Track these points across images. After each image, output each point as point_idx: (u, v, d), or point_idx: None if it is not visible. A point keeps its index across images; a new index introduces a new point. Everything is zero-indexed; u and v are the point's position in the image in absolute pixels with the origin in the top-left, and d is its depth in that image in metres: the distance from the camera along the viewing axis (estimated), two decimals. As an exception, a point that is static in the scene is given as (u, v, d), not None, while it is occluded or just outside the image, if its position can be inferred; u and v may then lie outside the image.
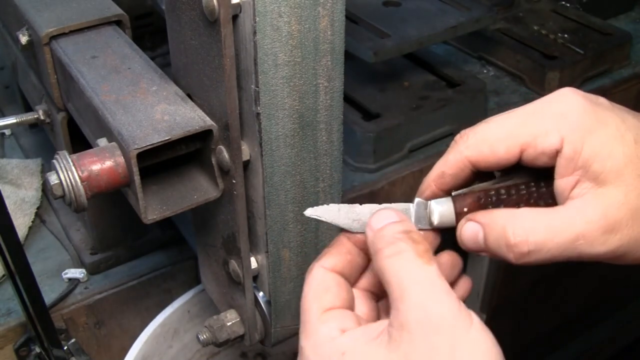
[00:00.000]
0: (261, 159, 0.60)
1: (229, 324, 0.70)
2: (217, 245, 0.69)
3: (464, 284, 0.57)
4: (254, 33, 0.53)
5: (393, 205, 0.54)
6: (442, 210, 0.54)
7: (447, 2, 1.17)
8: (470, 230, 0.53)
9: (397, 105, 1.12)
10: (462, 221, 0.53)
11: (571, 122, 0.49)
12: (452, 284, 0.56)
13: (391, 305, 0.46)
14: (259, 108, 0.57)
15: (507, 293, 1.58)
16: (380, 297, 0.56)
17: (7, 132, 1.14)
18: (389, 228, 0.49)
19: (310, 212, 0.54)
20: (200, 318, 0.92)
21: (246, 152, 0.61)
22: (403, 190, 1.04)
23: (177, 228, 0.94)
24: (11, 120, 0.82)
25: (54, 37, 0.70)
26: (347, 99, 1.13)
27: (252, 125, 0.59)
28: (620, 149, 0.48)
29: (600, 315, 1.86)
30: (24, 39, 0.74)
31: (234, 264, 0.67)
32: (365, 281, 0.55)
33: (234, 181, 0.60)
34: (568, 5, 1.46)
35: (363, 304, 0.54)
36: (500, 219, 0.51)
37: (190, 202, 0.61)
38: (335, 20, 0.57)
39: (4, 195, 0.66)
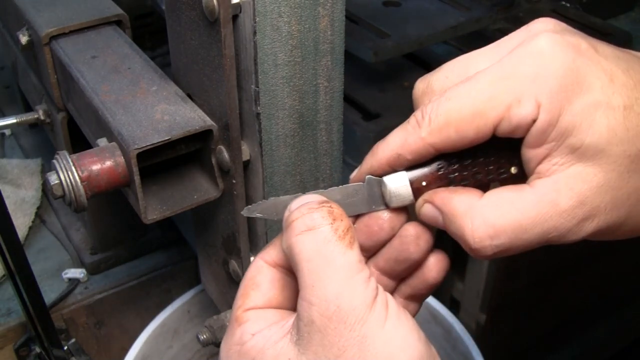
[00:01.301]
0: (261, 159, 0.60)
1: (228, 324, 0.70)
2: (217, 245, 0.69)
3: (437, 260, 0.49)
4: (254, 33, 0.53)
5: (344, 185, 0.48)
6: (397, 187, 0.47)
7: (447, 2, 1.17)
8: (430, 213, 0.46)
9: (397, 105, 1.12)
10: (420, 202, 0.46)
11: (549, 84, 0.40)
12: (421, 260, 0.49)
13: (300, 293, 0.41)
14: (259, 108, 0.57)
15: (507, 293, 1.58)
16: None
17: (7, 132, 1.14)
18: (304, 198, 0.44)
19: (247, 211, 0.49)
20: (200, 318, 0.92)
21: (246, 152, 0.61)
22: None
23: (177, 228, 0.94)
24: (11, 120, 0.82)
25: (54, 37, 0.70)
26: (347, 99, 1.13)
27: (252, 125, 0.59)
28: (604, 120, 0.39)
29: (600, 315, 1.86)
30: (24, 39, 0.74)
31: (234, 264, 0.67)
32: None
33: (234, 181, 0.60)
34: (568, 5, 1.46)
35: (288, 295, 0.49)
36: (460, 209, 0.44)
37: (190, 202, 0.61)
38: (335, 20, 0.57)
39: (4, 195, 0.66)
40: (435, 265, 0.49)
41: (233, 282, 0.69)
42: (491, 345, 1.56)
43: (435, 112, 0.43)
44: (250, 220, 0.65)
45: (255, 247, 0.67)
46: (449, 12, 1.14)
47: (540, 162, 0.42)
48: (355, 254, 0.41)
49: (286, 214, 0.44)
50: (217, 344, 0.71)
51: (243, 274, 0.66)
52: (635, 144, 0.39)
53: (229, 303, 0.72)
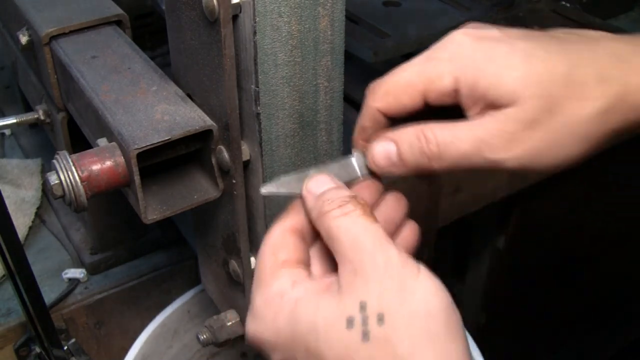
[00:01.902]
0: (261, 159, 0.60)
1: (229, 324, 0.70)
2: (217, 245, 0.69)
3: (410, 229, 0.58)
4: (254, 33, 0.53)
5: (336, 159, 0.57)
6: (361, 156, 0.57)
7: (447, 2, 1.17)
8: (381, 149, 0.55)
9: (397, 105, 1.12)
10: (373, 144, 0.56)
11: (462, 62, 0.52)
12: (398, 227, 0.57)
13: (340, 260, 0.49)
14: (259, 108, 0.57)
15: (507, 293, 1.58)
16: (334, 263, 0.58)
17: (7, 132, 1.14)
18: (333, 192, 0.52)
19: (266, 190, 0.55)
20: (200, 318, 0.92)
21: (246, 152, 0.61)
22: (403, 190, 1.04)
23: (177, 228, 0.94)
24: (11, 120, 0.82)
25: (54, 37, 0.70)
26: (347, 99, 1.13)
27: (252, 125, 0.59)
28: (509, 75, 0.51)
29: (600, 315, 1.86)
30: (24, 39, 0.74)
31: (234, 264, 0.67)
32: (318, 247, 0.56)
33: (234, 181, 0.60)
34: (568, 5, 1.46)
35: (318, 264, 0.55)
36: (410, 130, 0.54)
37: (190, 202, 0.61)
38: (335, 20, 0.57)
39: (4, 195, 0.66)
40: (406, 235, 0.58)
41: (233, 282, 0.69)
42: (491, 345, 1.56)
43: (379, 84, 0.56)
44: (251, 220, 0.65)
45: (255, 247, 0.67)
46: (449, 12, 1.14)
47: (476, 116, 0.53)
48: (379, 227, 0.49)
49: (309, 198, 0.53)
50: (217, 344, 0.71)
51: (243, 274, 0.66)
52: (540, 86, 0.50)
53: (229, 303, 0.72)
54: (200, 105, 0.60)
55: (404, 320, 0.46)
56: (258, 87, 0.56)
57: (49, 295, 0.86)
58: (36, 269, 0.78)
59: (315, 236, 0.55)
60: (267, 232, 0.54)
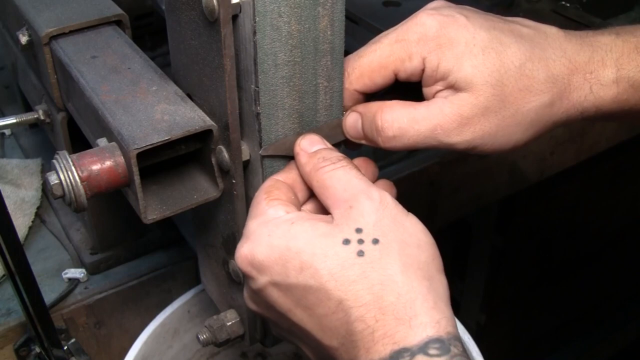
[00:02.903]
0: (261, 159, 0.60)
1: (229, 324, 0.70)
2: (217, 245, 0.69)
3: (385, 182, 0.62)
4: (254, 33, 0.53)
5: (328, 122, 0.61)
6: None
7: (447, 2, 1.17)
8: (351, 119, 0.61)
9: (397, 105, 1.12)
10: (347, 113, 0.62)
11: (429, 44, 0.57)
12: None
13: (333, 205, 0.53)
14: (258, 108, 0.57)
15: (507, 293, 1.58)
16: None
17: (7, 132, 1.14)
18: (327, 152, 0.57)
19: (265, 152, 0.59)
20: (200, 318, 0.92)
21: (246, 152, 0.61)
22: (403, 190, 1.04)
23: (177, 228, 0.94)
24: (11, 120, 0.82)
25: (54, 37, 0.70)
26: (347, 99, 1.13)
27: (252, 125, 0.59)
28: (468, 62, 0.56)
29: (600, 315, 1.86)
30: (24, 39, 0.74)
31: (234, 264, 0.67)
32: (310, 206, 0.60)
33: (233, 181, 0.60)
34: (568, 5, 1.46)
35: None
36: (373, 108, 0.59)
37: (190, 202, 0.61)
38: (335, 20, 0.57)
39: (4, 195, 0.66)
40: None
41: (233, 282, 0.69)
42: (491, 345, 1.56)
43: (352, 67, 0.60)
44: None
45: (255, 247, 0.67)
46: (449, 12, 1.14)
47: (433, 96, 0.58)
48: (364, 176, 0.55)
49: (303, 154, 0.57)
50: (217, 344, 0.71)
51: (243, 273, 0.66)
52: (494, 76, 0.55)
53: (229, 303, 0.72)
54: (200, 105, 0.61)
55: (396, 246, 0.50)
56: (258, 87, 0.56)
57: (49, 295, 0.86)
58: (36, 269, 0.78)
59: (306, 195, 0.59)
60: (264, 182, 0.58)
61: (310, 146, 0.58)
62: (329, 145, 0.59)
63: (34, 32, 0.72)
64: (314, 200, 0.59)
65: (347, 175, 0.54)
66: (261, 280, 0.53)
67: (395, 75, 0.59)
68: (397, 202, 0.53)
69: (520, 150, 0.82)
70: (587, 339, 1.84)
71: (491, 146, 0.58)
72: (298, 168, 0.58)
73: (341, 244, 0.49)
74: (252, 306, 0.58)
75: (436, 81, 0.57)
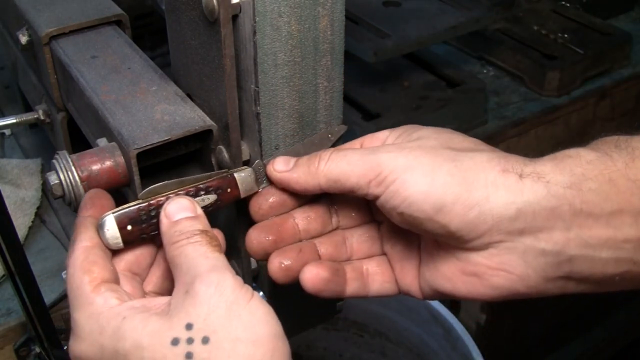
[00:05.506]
0: (261, 159, 0.60)
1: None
2: (217, 245, 0.69)
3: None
4: (254, 33, 0.53)
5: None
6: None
7: (447, 2, 1.17)
8: (282, 161, 0.59)
9: (397, 105, 1.12)
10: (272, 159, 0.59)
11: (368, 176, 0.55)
12: None
13: (176, 284, 0.50)
14: (258, 108, 0.57)
15: (507, 293, 1.57)
16: (142, 277, 0.58)
17: (7, 132, 1.14)
18: (186, 223, 0.53)
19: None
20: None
21: (246, 152, 0.61)
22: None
23: (177, 228, 0.94)
24: (11, 120, 0.82)
25: (54, 37, 0.70)
26: (347, 99, 1.13)
27: (252, 125, 0.59)
28: (414, 186, 0.53)
29: (600, 315, 1.86)
30: (24, 39, 0.74)
31: (234, 264, 0.67)
32: (125, 263, 0.56)
33: (234, 181, 0.60)
34: (568, 5, 1.46)
35: (126, 283, 0.55)
36: (304, 158, 0.58)
37: (190, 202, 0.61)
38: (335, 20, 0.57)
39: (4, 195, 0.66)
40: None
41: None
42: (491, 345, 1.56)
43: (326, 173, 0.57)
44: (251, 221, 0.65)
45: (255, 247, 0.67)
46: (449, 12, 1.14)
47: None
48: (223, 256, 0.51)
49: (165, 221, 0.54)
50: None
51: (243, 274, 0.66)
52: (435, 202, 0.53)
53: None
54: (200, 105, 0.61)
55: (228, 344, 0.46)
56: (258, 87, 0.56)
57: (49, 295, 0.86)
58: (36, 269, 0.78)
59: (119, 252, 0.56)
60: (70, 253, 0.53)
61: (175, 213, 0.54)
62: (198, 212, 0.55)
63: (34, 32, 0.72)
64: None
65: (195, 252, 0.51)
66: None
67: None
68: (238, 284, 0.49)
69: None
70: (587, 339, 1.84)
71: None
72: (160, 234, 0.54)
73: (169, 345, 0.47)
74: None
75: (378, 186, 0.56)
